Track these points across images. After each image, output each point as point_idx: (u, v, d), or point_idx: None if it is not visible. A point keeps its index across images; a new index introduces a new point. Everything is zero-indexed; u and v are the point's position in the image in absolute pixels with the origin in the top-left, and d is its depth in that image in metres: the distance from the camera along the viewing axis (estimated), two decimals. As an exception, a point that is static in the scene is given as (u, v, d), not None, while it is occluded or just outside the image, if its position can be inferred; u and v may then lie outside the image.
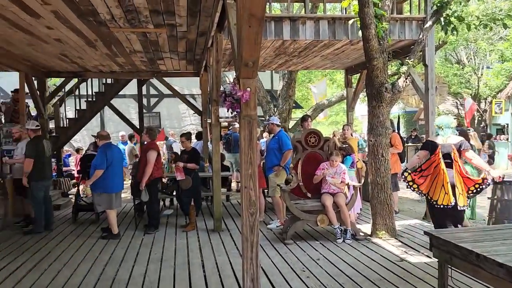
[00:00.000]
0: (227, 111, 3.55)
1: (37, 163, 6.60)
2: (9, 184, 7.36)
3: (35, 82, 9.88)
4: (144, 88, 13.38)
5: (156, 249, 5.71)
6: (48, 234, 6.60)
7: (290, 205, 5.93)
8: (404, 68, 6.18)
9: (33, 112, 10.73)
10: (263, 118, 13.99)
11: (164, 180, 8.41)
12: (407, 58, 6.43)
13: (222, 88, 3.43)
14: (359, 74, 9.93)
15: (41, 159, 6.68)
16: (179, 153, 8.68)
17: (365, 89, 6.63)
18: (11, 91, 9.89)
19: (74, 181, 11.16)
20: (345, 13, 7.69)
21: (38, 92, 9.79)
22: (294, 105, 15.64)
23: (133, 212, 7.67)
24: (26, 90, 9.15)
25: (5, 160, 7.48)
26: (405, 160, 9.09)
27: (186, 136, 7.81)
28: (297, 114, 21.04)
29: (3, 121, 9.43)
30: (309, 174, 6.19)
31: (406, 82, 6.05)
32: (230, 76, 16.56)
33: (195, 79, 11.43)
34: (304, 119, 7.61)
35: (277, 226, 6.72)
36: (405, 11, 8.32)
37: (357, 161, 7.13)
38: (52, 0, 4.81)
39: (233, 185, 10.64)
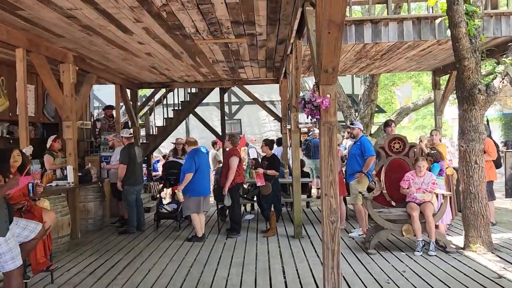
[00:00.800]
0: (307, 118, 3.54)
1: (130, 168, 7.14)
2: (107, 187, 8.04)
3: (129, 93, 10.71)
4: (225, 96, 13.83)
5: (238, 253, 5.85)
6: (140, 235, 7.08)
7: (373, 214, 5.73)
8: (500, 68, 5.67)
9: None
10: (344, 123, 13.70)
11: (245, 185, 8.60)
12: (504, 56, 5.90)
13: (301, 95, 3.43)
14: (448, 75, 9.31)
15: (133, 164, 7.21)
16: (254, 159, 8.86)
17: (455, 91, 6.20)
18: (103, 108, 10.69)
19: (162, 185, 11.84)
20: (432, 12, 7.27)
21: (131, 102, 10.60)
22: (376, 109, 15.12)
23: (216, 216, 7.95)
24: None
25: (103, 166, 8.19)
26: (503, 167, 8.33)
27: (267, 142, 7.91)
28: (379, 119, 20.27)
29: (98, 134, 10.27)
30: (393, 181, 5.93)
31: (503, 82, 5.55)
32: (309, 81, 16.49)
33: (275, 85, 11.58)
34: (387, 124, 7.31)
35: (359, 235, 6.53)
36: (501, 5, 7.65)
37: (446, 168, 6.67)
38: (144, 18, 5.19)
39: (313, 191, 10.54)
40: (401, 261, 5.22)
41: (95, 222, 7.46)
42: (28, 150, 5.67)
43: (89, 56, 7.37)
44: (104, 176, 8.12)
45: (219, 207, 7.69)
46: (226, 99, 15.62)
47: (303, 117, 7.80)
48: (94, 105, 15.39)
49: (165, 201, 8.16)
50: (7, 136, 8.30)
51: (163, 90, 12.36)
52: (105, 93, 16.11)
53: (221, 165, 8.99)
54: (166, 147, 17.63)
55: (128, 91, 10.68)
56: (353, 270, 4.93)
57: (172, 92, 12.22)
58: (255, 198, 8.37)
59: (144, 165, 9.96)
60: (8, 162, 4.16)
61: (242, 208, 8.73)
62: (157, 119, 13.84)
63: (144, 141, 11.62)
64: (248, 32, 6.13)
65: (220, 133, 12.23)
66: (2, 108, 7.67)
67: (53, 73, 6.69)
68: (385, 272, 4.82)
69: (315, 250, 5.81)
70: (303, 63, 8.00)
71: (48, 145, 7.33)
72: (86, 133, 10.57)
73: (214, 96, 13.37)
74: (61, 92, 6.91)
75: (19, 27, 5.42)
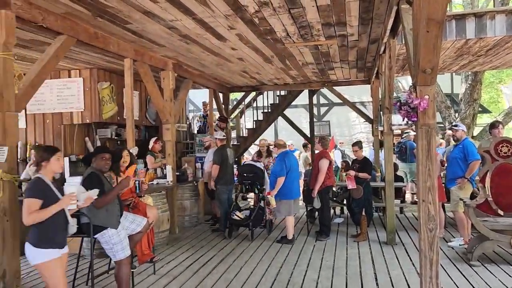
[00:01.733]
0: (403, 120, 3.40)
1: (222, 169, 7.45)
2: (201, 186, 8.49)
3: (221, 97, 11.18)
4: (314, 97, 13.77)
5: (328, 256, 5.80)
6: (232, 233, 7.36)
7: (476, 223, 5.30)
8: None
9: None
10: (442, 125, 12.85)
11: (334, 188, 8.48)
12: None
13: (397, 96, 3.31)
14: None
15: (226, 165, 7.51)
16: (344, 161, 8.67)
17: None
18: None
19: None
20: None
21: (223, 105, 11.06)
22: (480, 109, 13.92)
23: (305, 218, 7.95)
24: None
25: (198, 166, 8.66)
26: None
27: (359, 145, 7.72)
28: (483, 120, 18.64)
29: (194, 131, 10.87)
30: (501, 188, 5.42)
31: None
32: (403, 81, 15.74)
33: (365, 86, 11.25)
34: (494, 125, 6.70)
35: (460, 245, 6.07)
36: None
37: None
38: (237, 25, 5.40)
39: (408, 196, 10.03)
40: (510, 276, 4.76)
41: (191, 219, 7.91)
42: (134, 150, 6.22)
43: (186, 63, 7.85)
44: (198, 176, 8.58)
45: (308, 209, 7.69)
46: (315, 101, 15.55)
47: (396, 119, 7.48)
48: (189, 108, 16.29)
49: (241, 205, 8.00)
50: (115, 138, 9.17)
51: (253, 93, 12.69)
52: (198, 97, 17.00)
53: (310, 167, 8.96)
54: (255, 148, 18.04)
55: (221, 94, 11.16)
56: (454, 282, 4.61)
57: (262, 95, 12.49)
58: (344, 202, 8.21)
59: (235, 166, 10.30)
60: (119, 162, 4.61)
61: (332, 211, 8.63)
62: (247, 122, 14.24)
63: (235, 143, 12.03)
64: (339, 33, 6.06)
65: (309, 135, 12.21)
66: (112, 112, 8.48)
67: (154, 80, 7.25)
68: (490, 287, 4.44)
69: (410, 258, 5.54)
70: (397, 63, 7.67)
71: (150, 146, 7.94)
72: (183, 135, 11.26)
73: (303, 98, 13.39)
74: (161, 97, 7.45)
75: (128, 39, 5.96)
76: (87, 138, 8.84)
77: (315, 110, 17.30)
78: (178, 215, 7.60)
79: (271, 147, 8.59)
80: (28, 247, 3.23)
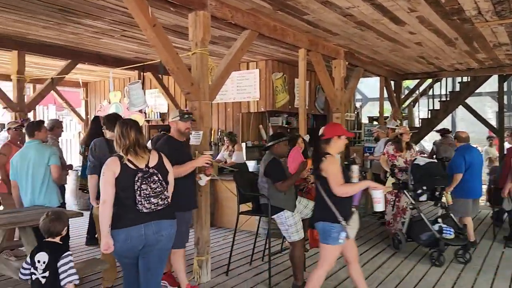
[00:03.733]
0: None
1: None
2: (369, 177, 8.27)
3: (392, 85, 10.65)
4: (505, 84, 11.98)
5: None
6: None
7: None
8: None
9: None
10: None
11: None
12: None
13: None
14: None
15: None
16: None
17: None
18: None
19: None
20: None
21: (394, 94, 10.52)
22: None
23: (490, 220, 7.05)
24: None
25: (366, 156, 8.46)
26: None
27: None
28: None
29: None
30: None
31: None
32: None
33: None
34: None
35: None
36: None
37: None
38: (419, 7, 5.04)
39: None
40: None
41: (358, 209, 7.75)
42: (306, 138, 6.42)
43: (358, 50, 7.69)
44: (366, 166, 8.38)
45: (494, 210, 6.78)
46: (505, 88, 13.53)
47: None
48: (356, 97, 16.03)
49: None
50: (286, 126, 9.63)
51: (429, 81, 11.73)
52: (365, 86, 16.56)
53: (496, 163, 7.87)
54: (428, 140, 16.74)
55: (392, 82, 10.63)
56: None
57: (439, 82, 11.45)
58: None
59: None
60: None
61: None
62: (421, 111, 13.26)
63: (407, 134, 11.33)
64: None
65: (496, 127, 10.71)
66: (284, 101, 8.92)
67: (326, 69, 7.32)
68: None
69: None
70: None
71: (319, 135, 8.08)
72: (351, 124, 11.14)
73: (489, 85, 11.80)
74: (332, 86, 7.49)
75: (303, 30, 6.14)
76: (261, 126, 9.52)
77: (504, 99, 15.11)
78: (346, 204, 7.58)
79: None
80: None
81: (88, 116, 11.33)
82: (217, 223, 6.96)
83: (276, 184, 4.13)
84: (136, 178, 2.92)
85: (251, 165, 7.84)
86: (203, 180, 4.21)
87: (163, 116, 10.16)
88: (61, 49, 7.27)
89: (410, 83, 14.24)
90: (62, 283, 2.90)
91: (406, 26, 5.96)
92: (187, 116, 4.07)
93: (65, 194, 6.04)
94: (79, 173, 6.35)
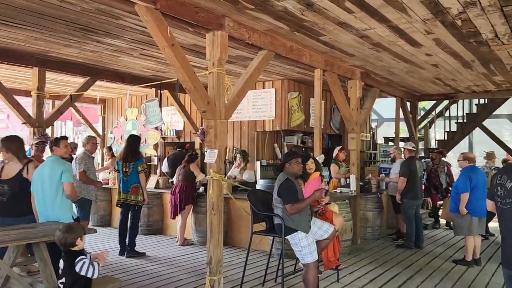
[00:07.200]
0: None
1: (410, 182, 7.01)
2: (385, 198, 8.18)
3: (408, 106, 10.59)
4: (522, 106, 11.84)
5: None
6: (418, 251, 6.85)
7: None
8: None
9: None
10: None
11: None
12: None
13: None
14: None
15: (414, 178, 7.05)
16: None
17: None
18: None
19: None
20: None
21: (410, 114, 10.45)
22: None
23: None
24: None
25: (381, 178, 8.37)
26: None
27: None
28: None
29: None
30: None
31: None
32: None
33: None
34: None
35: None
36: None
37: None
38: (435, 29, 5.04)
39: None
40: None
41: (373, 231, 7.69)
42: (321, 158, 6.40)
43: (374, 71, 7.70)
44: (382, 188, 8.28)
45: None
46: (522, 111, 13.34)
47: None
48: (372, 117, 15.95)
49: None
50: (300, 145, 9.61)
51: (445, 102, 11.64)
52: (381, 106, 16.46)
53: None
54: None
55: (408, 103, 10.58)
56: None
57: (455, 104, 11.36)
58: None
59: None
60: (306, 168, 4.80)
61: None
62: (437, 133, 13.13)
63: (422, 155, 11.22)
64: None
65: (514, 150, 10.53)
66: (299, 121, 8.93)
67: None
68: None
69: None
70: None
71: (334, 155, 8.05)
72: (366, 144, 11.07)
73: (506, 107, 11.65)
74: (348, 106, 7.48)
75: (319, 50, 6.18)
76: (275, 145, 9.51)
77: (522, 121, 14.87)
78: (360, 226, 7.48)
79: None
80: None
81: (105, 132, 11.50)
82: (230, 242, 6.92)
83: (286, 206, 4.10)
84: None
85: (263, 184, 7.66)
86: None
87: (178, 133, 10.26)
88: (81, 67, 7.45)
89: (426, 104, 14.14)
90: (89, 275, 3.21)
91: (422, 48, 5.96)
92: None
93: (90, 209, 6.23)
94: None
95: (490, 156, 7.60)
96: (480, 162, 8.06)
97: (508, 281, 3.11)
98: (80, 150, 7.23)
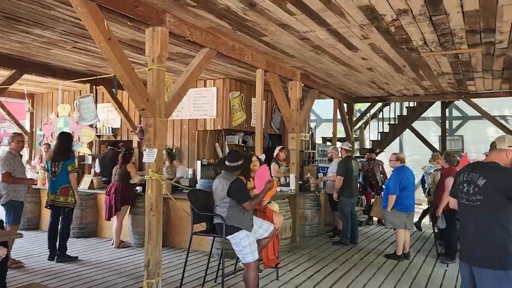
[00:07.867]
0: None
1: (347, 180, 7.29)
2: (322, 197, 8.43)
3: (345, 107, 11.00)
4: (447, 110, 12.73)
5: (447, 282, 5.28)
6: (353, 247, 7.14)
7: None
8: None
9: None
10: None
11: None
12: None
13: None
14: None
15: (350, 177, 7.34)
16: None
17: None
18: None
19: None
20: None
21: (347, 116, 10.86)
22: None
23: (433, 239, 7.35)
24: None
25: (320, 177, 8.62)
26: None
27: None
28: None
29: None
30: None
31: None
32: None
33: (507, 98, 10.04)
34: None
35: None
36: None
37: None
38: (371, 35, 5.27)
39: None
40: None
41: (311, 229, 7.89)
42: (262, 157, 6.44)
43: (314, 73, 7.90)
44: (320, 186, 8.53)
45: (435, 230, 7.09)
46: (447, 114, 14.36)
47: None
48: (311, 118, 16.38)
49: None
50: (242, 144, 9.63)
51: (379, 104, 12.24)
52: (319, 107, 16.96)
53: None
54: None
55: (345, 105, 10.98)
56: None
57: (388, 106, 11.98)
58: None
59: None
60: (250, 167, 4.81)
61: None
62: (372, 133, 13.76)
63: (358, 155, 11.70)
64: (485, 41, 5.52)
65: (440, 150, 11.30)
66: (241, 120, 8.93)
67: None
68: None
69: None
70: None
71: (275, 154, 8.15)
72: (305, 144, 11.34)
73: (433, 110, 12.49)
74: (288, 106, 7.61)
75: (261, 51, 6.23)
76: (217, 144, 9.45)
77: (447, 124, 16.00)
78: (299, 224, 7.64)
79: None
80: None
81: (33, 129, 10.77)
82: (169, 243, 6.76)
83: (244, 205, 4.09)
84: None
85: (203, 184, 7.53)
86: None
87: (115, 131, 9.85)
88: (6, 58, 6.89)
89: (361, 106, 14.78)
90: None
91: (359, 52, 6.21)
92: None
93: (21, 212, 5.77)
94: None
95: (435, 157, 8.13)
96: (409, 162, 8.60)
97: (468, 278, 3.03)
98: (4, 149, 6.67)
